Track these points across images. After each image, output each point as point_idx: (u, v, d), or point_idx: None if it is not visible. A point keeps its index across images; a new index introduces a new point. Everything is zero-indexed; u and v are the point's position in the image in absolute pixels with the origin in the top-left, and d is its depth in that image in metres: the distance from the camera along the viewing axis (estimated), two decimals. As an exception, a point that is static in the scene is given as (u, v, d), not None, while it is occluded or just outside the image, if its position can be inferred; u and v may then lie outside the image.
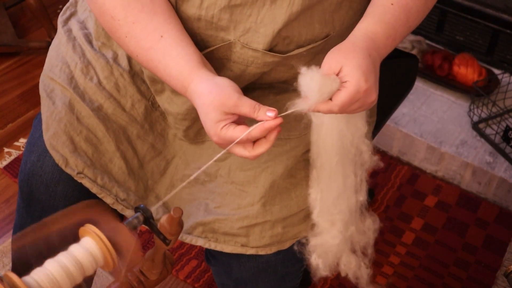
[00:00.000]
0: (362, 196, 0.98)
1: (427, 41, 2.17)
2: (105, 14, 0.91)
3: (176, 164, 1.05)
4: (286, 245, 1.00)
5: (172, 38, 0.89)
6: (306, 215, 1.02)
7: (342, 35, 0.97)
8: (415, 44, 2.12)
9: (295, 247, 1.02)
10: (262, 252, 0.99)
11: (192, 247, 1.68)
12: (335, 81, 0.82)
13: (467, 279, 1.64)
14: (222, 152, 0.83)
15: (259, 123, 0.80)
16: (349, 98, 0.82)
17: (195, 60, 0.87)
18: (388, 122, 1.89)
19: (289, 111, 0.84)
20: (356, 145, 0.94)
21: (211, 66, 0.91)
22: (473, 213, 1.81)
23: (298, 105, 0.84)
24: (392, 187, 1.88)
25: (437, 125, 1.96)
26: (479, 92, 1.92)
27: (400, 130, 1.94)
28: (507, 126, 1.84)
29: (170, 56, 0.88)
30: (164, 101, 1.02)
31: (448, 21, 2.16)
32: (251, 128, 0.80)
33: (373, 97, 0.84)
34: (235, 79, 0.97)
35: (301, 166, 1.02)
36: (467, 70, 2.01)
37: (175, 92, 0.98)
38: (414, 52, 2.09)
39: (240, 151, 0.83)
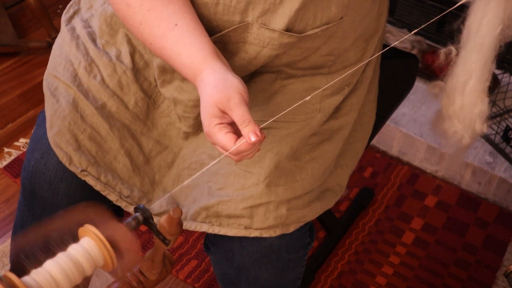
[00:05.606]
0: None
1: (427, 41, 2.17)
2: (120, 2, 0.92)
3: (183, 155, 1.06)
4: (290, 229, 0.99)
5: (186, 26, 0.89)
6: (310, 200, 1.02)
7: (353, 18, 0.99)
8: (415, 44, 2.12)
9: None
10: (266, 234, 0.98)
11: (192, 247, 1.68)
12: None
13: (467, 279, 1.64)
14: (215, 161, 0.83)
15: (244, 141, 0.80)
16: None
17: (208, 50, 0.88)
18: (388, 122, 1.89)
19: None
20: (507, 21, 1.01)
21: (224, 58, 0.91)
22: (473, 213, 1.81)
23: None
24: (392, 187, 1.88)
25: (437, 125, 1.96)
26: (479, 92, 1.92)
27: (400, 130, 1.94)
28: (507, 126, 1.84)
29: (183, 44, 0.88)
30: (173, 90, 1.02)
31: (448, 21, 2.16)
32: (238, 143, 0.81)
33: None
34: (249, 61, 0.98)
35: (306, 150, 1.02)
36: (467, 70, 2.01)
37: (185, 80, 0.98)
38: (414, 52, 2.09)
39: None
